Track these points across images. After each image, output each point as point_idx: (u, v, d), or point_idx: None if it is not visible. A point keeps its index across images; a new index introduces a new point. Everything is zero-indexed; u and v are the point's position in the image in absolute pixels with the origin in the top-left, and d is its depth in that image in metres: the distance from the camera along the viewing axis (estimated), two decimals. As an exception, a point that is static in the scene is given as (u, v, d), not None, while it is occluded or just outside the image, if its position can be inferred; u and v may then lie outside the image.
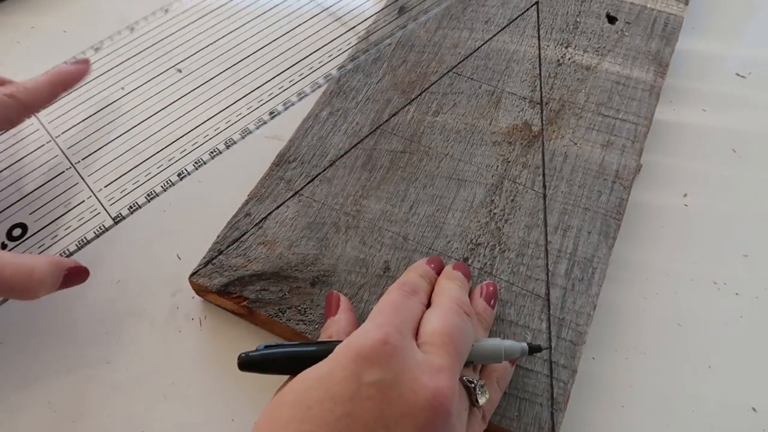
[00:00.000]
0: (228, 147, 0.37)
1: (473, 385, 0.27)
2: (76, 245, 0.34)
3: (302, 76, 0.40)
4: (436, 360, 0.25)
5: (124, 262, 0.36)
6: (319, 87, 0.40)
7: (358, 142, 0.38)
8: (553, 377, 0.30)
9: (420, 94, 0.40)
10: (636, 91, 0.41)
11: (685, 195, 0.40)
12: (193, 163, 0.37)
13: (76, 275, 0.32)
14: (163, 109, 0.40)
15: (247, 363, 0.27)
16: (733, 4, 0.51)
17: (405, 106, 0.40)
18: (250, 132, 0.38)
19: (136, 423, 0.31)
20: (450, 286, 0.30)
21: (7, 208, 0.35)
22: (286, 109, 0.39)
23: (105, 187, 0.36)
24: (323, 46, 0.43)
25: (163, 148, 0.38)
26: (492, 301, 0.31)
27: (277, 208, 0.36)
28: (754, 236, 0.38)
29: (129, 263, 0.36)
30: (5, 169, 0.37)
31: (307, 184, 0.37)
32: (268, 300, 0.33)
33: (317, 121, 0.39)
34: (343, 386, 0.23)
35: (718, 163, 0.42)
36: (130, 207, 0.35)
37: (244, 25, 0.44)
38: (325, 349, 0.26)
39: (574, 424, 0.31)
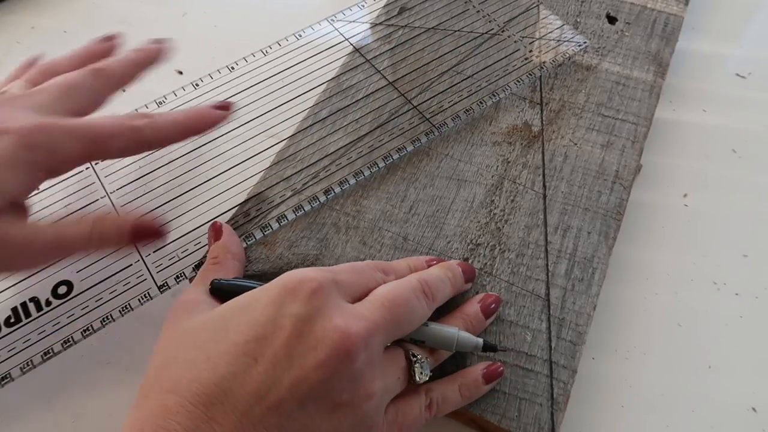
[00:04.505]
0: (280, 223, 0.35)
1: (414, 360, 0.27)
2: (120, 311, 0.32)
3: (372, 148, 0.38)
4: (360, 310, 0.25)
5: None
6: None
7: (358, 140, 0.38)
8: (553, 377, 0.30)
9: (421, 92, 0.40)
10: (636, 91, 0.41)
11: (685, 195, 0.40)
12: (244, 237, 0.34)
13: (147, 235, 0.32)
14: (221, 174, 0.37)
15: (217, 289, 0.29)
16: (733, 4, 0.51)
17: (405, 104, 0.40)
18: (304, 211, 0.35)
19: (136, 423, 0.31)
20: (433, 271, 0.30)
21: (56, 262, 0.34)
22: (356, 180, 0.36)
23: (154, 252, 0.34)
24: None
25: (215, 218, 0.35)
26: (487, 311, 0.31)
27: (277, 207, 0.36)
28: (754, 236, 0.38)
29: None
30: (57, 221, 0.35)
31: (307, 183, 0.37)
32: (268, 300, 0.33)
33: (317, 119, 0.39)
34: (261, 312, 0.24)
35: (718, 163, 0.42)
36: (177, 277, 0.33)
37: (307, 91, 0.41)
38: None
39: (574, 424, 0.31)
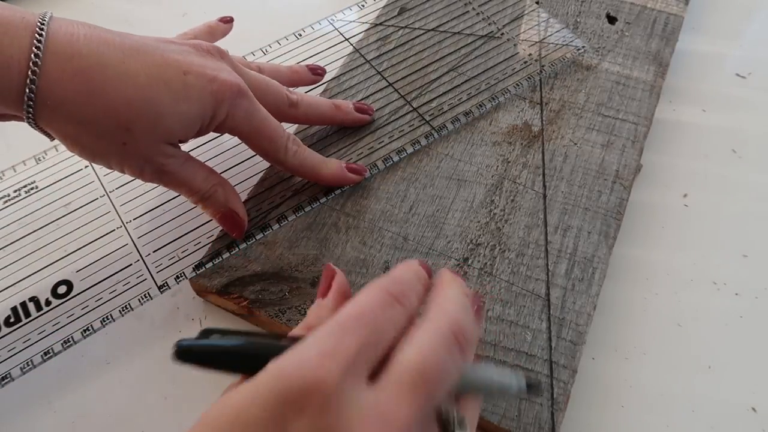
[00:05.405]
0: (280, 223, 0.35)
1: (451, 419, 0.22)
2: (120, 311, 0.32)
3: (372, 149, 0.38)
4: (390, 407, 0.19)
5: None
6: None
7: (358, 141, 0.38)
8: (553, 377, 0.30)
9: (421, 94, 0.40)
10: (636, 91, 0.41)
11: (685, 195, 0.40)
12: (244, 238, 0.34)
13: (231, 225, 0.33)
14: (221, 173, 0.35)
15: (185, 353, 0.22)
16: (733, 4, 0.51)
17: (404, 106, 0.40)
18: (304, 211, 0.35)
19: (136, 423, 0.31)
20: (453, 298, 0.24)
21: (55, 262, 0.34)
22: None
23: (154, 252, 0.34)
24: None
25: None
26: (476, 317, 0.25)
27: (277, 207, 0.36)
28: (754, 236, 0.38)
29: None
30: (57, 220, 0.35)
31: (307, 183, 0.37)
32: (269, 300, 0.33)
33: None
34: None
35: (718, 163, 0.42)
36: (177, 277, 0.33)
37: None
38: (275, 346, 0.21)
39: (574, 424, 0.31)
